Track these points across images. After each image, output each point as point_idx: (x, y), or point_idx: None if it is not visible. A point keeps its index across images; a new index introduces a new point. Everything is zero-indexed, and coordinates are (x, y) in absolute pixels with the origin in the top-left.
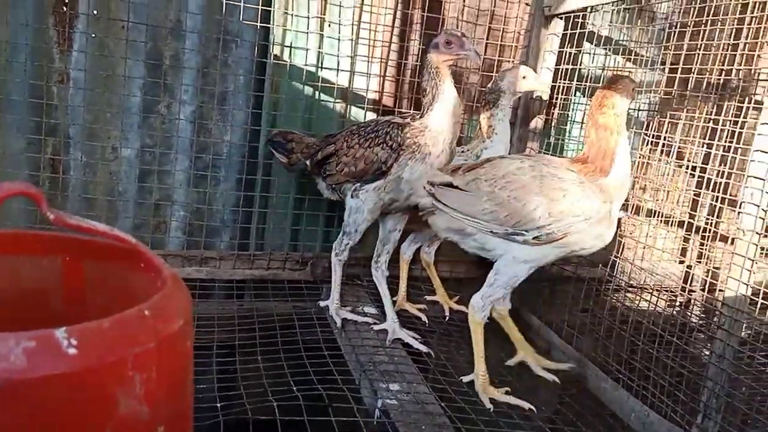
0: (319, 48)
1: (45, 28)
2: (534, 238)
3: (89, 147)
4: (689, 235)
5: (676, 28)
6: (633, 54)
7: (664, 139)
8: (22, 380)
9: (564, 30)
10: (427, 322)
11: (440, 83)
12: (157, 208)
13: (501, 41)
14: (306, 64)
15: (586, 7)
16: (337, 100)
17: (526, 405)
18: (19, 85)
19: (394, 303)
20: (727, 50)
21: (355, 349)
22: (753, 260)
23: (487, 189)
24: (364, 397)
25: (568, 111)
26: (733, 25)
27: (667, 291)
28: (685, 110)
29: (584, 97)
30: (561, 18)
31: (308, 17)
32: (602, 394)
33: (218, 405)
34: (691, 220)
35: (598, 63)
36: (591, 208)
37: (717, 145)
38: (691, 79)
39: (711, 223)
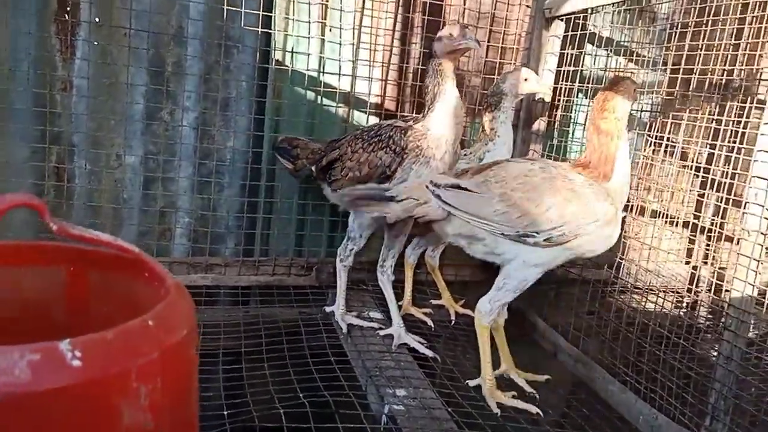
0: (321, 53)
1: (47, 37)
2: (545, 240)
3: (93, 155)
4: (694, 235)
5: (677, 28)
6: (635, 55)
7: (668, 139)
8: (27, 393)
9: (565, 32)
10: (432, 326)
11: (442, 82)
12: (162, 215)
13: (502, 44)
14: (308, 69)
15: (587, 9)
16: (340, 105)
17: (534, 409)
18: (23, 94)
19: (399, 307)
20: (728, 50)
21: (361, 355)
22: (758, 261)
23: (498, 190)
24: (371, 403)
25: (571, 113)
26: (734, 24)
27: (673, 292)
28: (687, 111)
29: (586, 98)
30: (562, 20)
31: (309, 22)
32: (610, 397)
33: (225, 413)
34: (696, 221)
35: (600, 64)
36: (600, 210)
37: (720, 145)
38: (693, 79)
39: (716, 223)
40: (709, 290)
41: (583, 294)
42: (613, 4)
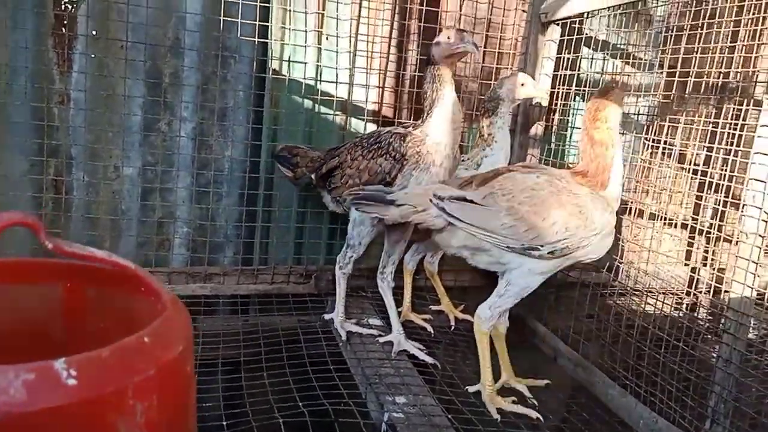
0: (318, 61)
1: (44, 50)
2: (549, 253)
3: (91, 167)
4: (693, 237)
5: (672, 31)
6: (631, 58)
7: (665, 142)
8: (23, 413)
9: (561, 36)
10: (432, 332)
11: (440, 88)
12: (160, 225)
13: (499, 49)
14: (305, 78)
15: (582, 13)
16: (337, 113)
17: (534, 414)
18: (20, 108)
19: (399, 314)
20: (724, 53)
21: (360, 362)
22: (756, 263)
23: (505, 204)
24: (371, 411)
25: (568, 116)
26: (730, 27)
27: (672, 294)
28: (684, 113)
29: (584, 102)
30: (558, 24)
31: (306, 31)
32: (610, 401)
33: (224, 423)
34: (694, 224)
35: (597, 68)
36: (602, 222)
37: (717, 148)
38: (689, 81)
39: (714, 225)
40: (708, 291)
41: (582, 297)
42: (608, 8)
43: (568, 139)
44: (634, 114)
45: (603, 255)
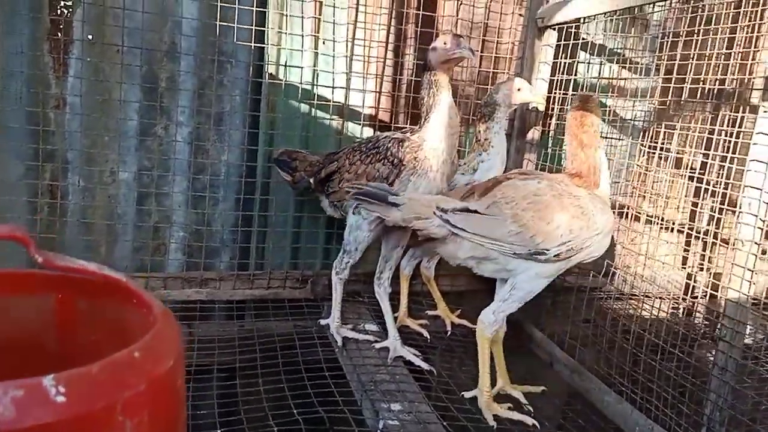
0: (314, 66)
1: (40, 55)
2: (555, 256)
3: (87, 171)
4: (689, 241)
5: (668, 37)
6: (628, 62)
7: (662, 147)
8: (11, 431)
9: (558, 41)
10: (428, 337)
11: (437, 93)
12: (156, 230)
13: (495, 53)
14: (301, 82)
15: (579, 18)
16: (334, 117)
17: (530, 421)
18: (16, 113)
19: (395, 319)
20: (720, 59)
21: (356, 369)
22: (752, 270)
23: (509, 211)
24: (366, 419)
25: (565, 121)
26: (726, 33)
27: (668, 299)
28: (681, 118)
29: None
30: (554, 29)
31: (302, 35)
32: (605, 407)
33: (218, 431)
34: (690, 231)
35: (593, 72)
36: (602, 222)
37: (713, 154)
38: (685, 87)
39: (710, 231)
40: (705, 296)
41: (579, 302)
42: (605, 13)
43: (564, 144)
44: (631, 119)
45: (602, 253)
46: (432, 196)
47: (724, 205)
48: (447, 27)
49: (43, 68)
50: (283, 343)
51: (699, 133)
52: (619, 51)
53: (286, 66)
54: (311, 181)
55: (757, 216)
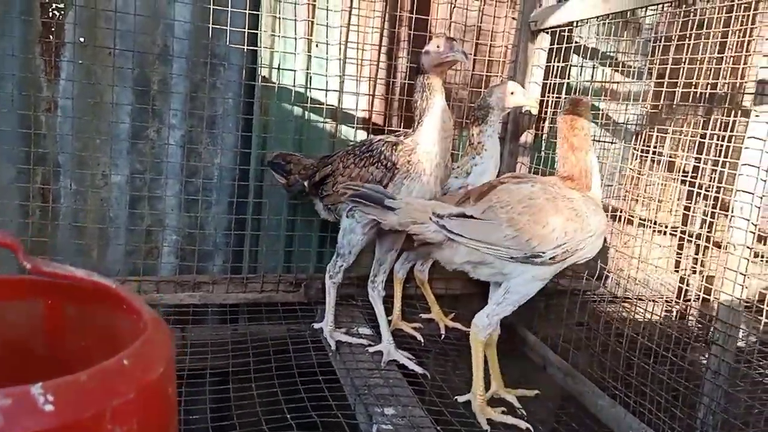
0: (307, 69)
1: (32, 58)
2: (550, 258)
3: (79, 175)
4: (682, 245)
5: (661, 41)
6: (621, 66)
7: (655, 150)
8: None
9: (551, 44)
10: (422, 341)
11: (430, 96)
12: (149, 233)
13: (489, 56)
14: (294, 85)
15: (572, 22)
16: (327, 120)
17: (524, 425)
18: (7, 116)
19: (389, 323)
20: (712, 63)
21: (350, 373)
22: (744, 275)
23: (505, 216)
24: (360, 423)
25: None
26: (718, 37)
27: (662, 302)
28: (673, 122)
29: None
30: (547, 32)
31: (295, 38)
32: (599, 411)
33: None
34: (683, 234)
35: (586, 76)
36: (595, 223)
37: (705, 159)
38: (677, 91)
39: (702, 235)
40: (697, 299)
41: (572, 305)
42: (597, 17)
43: (557, 147)
44: (624, 122)
45: (595, 255)
46: (428, 201)
47: (716, 208)
48: (440, 30)
49: (34, 71)
50: (276, 347)
51: (691, 136)
52: (611, 54)
53: (279, 69)
54: (305, 184)
55: (749, 220)
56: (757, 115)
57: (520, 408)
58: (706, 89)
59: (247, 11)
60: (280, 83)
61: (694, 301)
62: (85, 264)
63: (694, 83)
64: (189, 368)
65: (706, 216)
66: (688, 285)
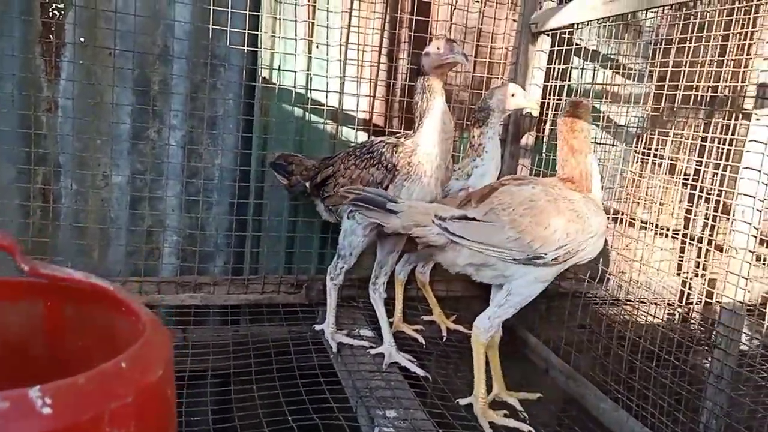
0: (308, 70)
1: (32, 58)
2: (553, 260)
3: (80, 175)
4: (684, 247)
5: (662, 43)
6: (622, 68)
7: (656, 153)
8: None
9: (551, 46)
10: (424, 343)
11: (431, 98)
12: (150, 234)
13: (489, 58)
14: (295, 86)
15: (572, 24)
16: (328, 122)
17: (526, 428)
18: (7, 116)
19: (390, 325)
20: (713, 66)
21: (351, 375)
22: (746, 278)
23: (507, 217)
24: (361, 426)
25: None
26: (719, 40)
27: (664, 305)
28: (674, 125)
29: None
30: (548, 34)
31: (296, 39)
32: (601, 414)
33: None
34: (684, 237)
35: (587, 78)
36: (596, 224)
37: (706, 162)
38: (678, 93)
39: (704, 238)
40: (699, 302)
41: (574, 308)
42: (598, 19)
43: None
44: (625, 125)
45: (595, 255)
46: (430, 204)
47: (717, 211)
48: (441, 32)
49: (34, 71)
50: (277, 348)
51: (692, 139)
52: (612, 57)
53: (279, 70)
54: (307, 185)
55: (750, 224)
56: (758, 119)
57: (522, 411)
58: (707, 92)
59: (247, 12)
60: (280, 84)
61: (696, 304)
62: (86, 264)
63: (695, 86)
64: (190, 369)
65: (708, 219)
66: (690, 288)
